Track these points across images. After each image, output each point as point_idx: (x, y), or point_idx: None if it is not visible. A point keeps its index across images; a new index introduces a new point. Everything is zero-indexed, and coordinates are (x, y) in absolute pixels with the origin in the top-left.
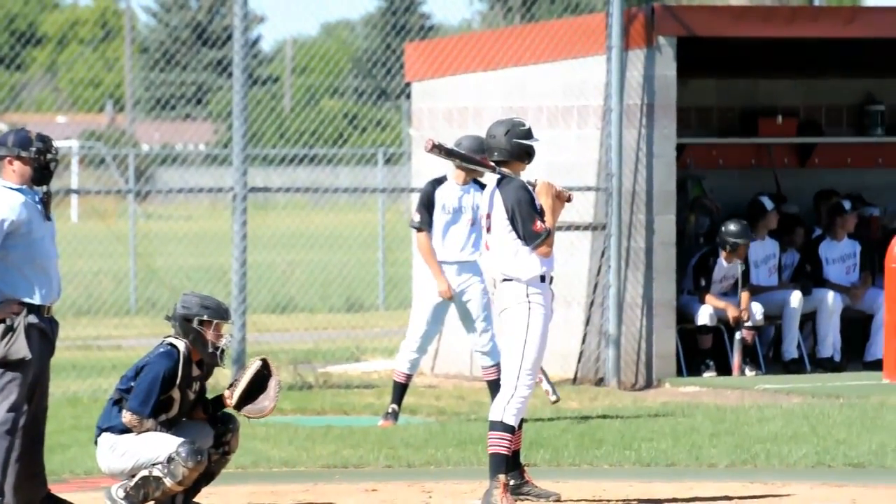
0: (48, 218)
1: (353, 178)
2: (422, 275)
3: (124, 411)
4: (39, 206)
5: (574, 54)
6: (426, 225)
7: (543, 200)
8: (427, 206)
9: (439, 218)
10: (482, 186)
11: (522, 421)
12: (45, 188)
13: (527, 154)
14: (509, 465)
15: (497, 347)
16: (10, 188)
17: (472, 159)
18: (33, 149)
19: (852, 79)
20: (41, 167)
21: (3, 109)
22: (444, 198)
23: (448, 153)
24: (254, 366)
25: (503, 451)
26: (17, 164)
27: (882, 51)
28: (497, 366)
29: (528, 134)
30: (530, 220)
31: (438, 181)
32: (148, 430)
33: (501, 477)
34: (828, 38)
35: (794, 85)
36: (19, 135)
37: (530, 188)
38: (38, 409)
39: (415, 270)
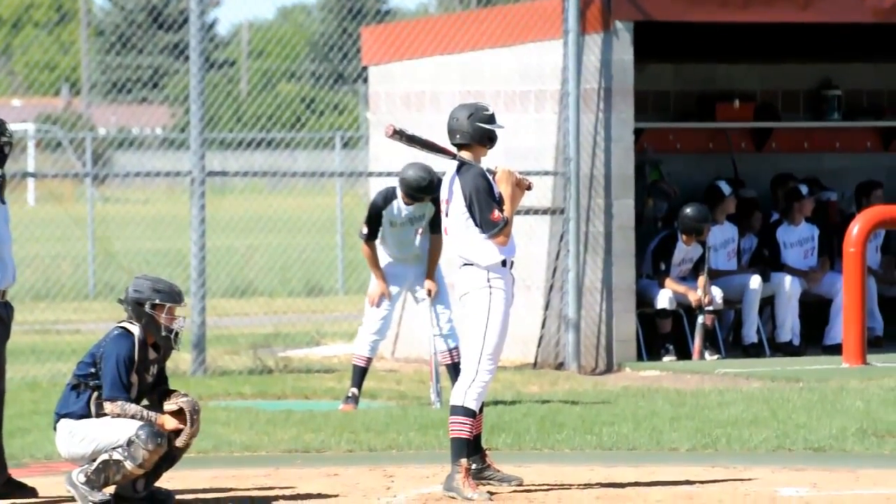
0: (2, 201)
1: (311, 162)
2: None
3: (105, 403)
4: None
5: (531, 38)
6: (372, 236)
7: (503, 188)
8: (374, 221)
9: (387, 230)
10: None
11: (483, 405)
12: None
13: (489, 139)
14: (471, 449)
15: (456, 331)
16: None
17: (433, 145)
18: None
19: (809, 64)
20: None
21: None
22: (392, 215)
23: (408, 139)
24: (179, 403)
25: (465, 435)
26: None
27: (839, 36)
28: (456, 349)
29: (492, 119)
30: (488, 209)
31: (387, 198)
32: (133, 414)
33: (463, 461)
34: (784, 22)
35: (751, 69)
36: None
37: (490, 176)
38: None
39: None
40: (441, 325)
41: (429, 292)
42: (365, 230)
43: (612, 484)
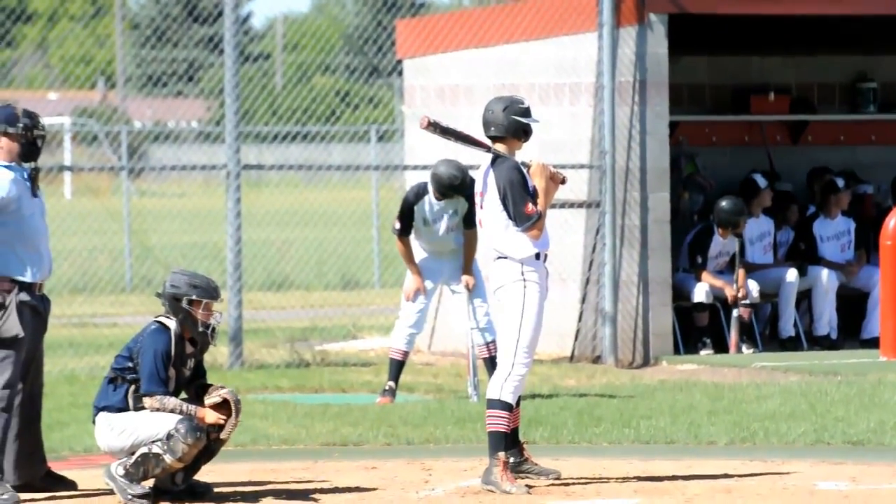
0: (35, 195)
1: (346, 156)
2: (418, 253)
3: (144, 398)
4: (27, 183)
5: (566, 31)
6: (405, 232)
7: (537, 182)
8: (407, 216)
9: (420, 225)
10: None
11: (520, 399)
12: (32, 164)
13: (523, 132)
14: (508, 442)
15: (493, 324)
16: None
17: (468, 138)
18: (20, 125)
19: (844, 56)
20: (28, 143)
21: None
22: (424, 211)
23: (443, 131)
24: (221, 395)
25: (502, 428)
26: (4, 140)
27: (874, 28)
28: (493, 343)
29: (527, 112)
30: (522, 202)
31: (419, 194)
32: (172, 408)
33: (501, 455)
34: (819, 14)
35: (785, 62)
36: (6, 111)
37: (524, 169)
38: (34, 387)
39: None
40: (478, 318)
41: (466, 286)
42: (398, 225)
43: (650, 477)
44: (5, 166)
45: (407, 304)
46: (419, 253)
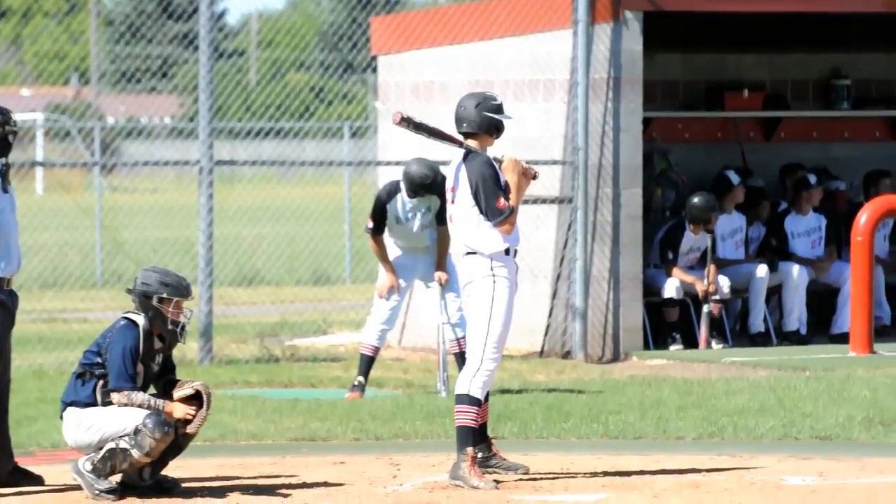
0: (6, 190)
1: (320, 152)
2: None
3: (112, 393)
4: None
5: (540, 28)
6: (378, 231)
7: (509, 177)
8: (379, 215)
9: (393, 223)
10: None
11: (488, 394)
12: (3, 160)
13: (496, 128)
14: (477, 437)
15: (465, 320)
16: None
17: (440, 133)
18: None
19: (819, 53)
20: None
21: None
22: (396, 209)
23: (416, 126)
24: (193, 387)
25: (470, 423)
26: None
27: (848, 25)
28: (464, 338)
29: (499, 109)
30: (494, 197)
31: (391, 193)
32: (140, 403)
33: (469, 450)
34: (794, 12)
35: (760, 59)
36: None
37: (496, 164)
38: (1, 382)
39: None
40: (450, 313)
41: (439, 282)
42: (370, 224)
43: (618, 472)
44: None
45: (380, 300)
46: (393, 250)
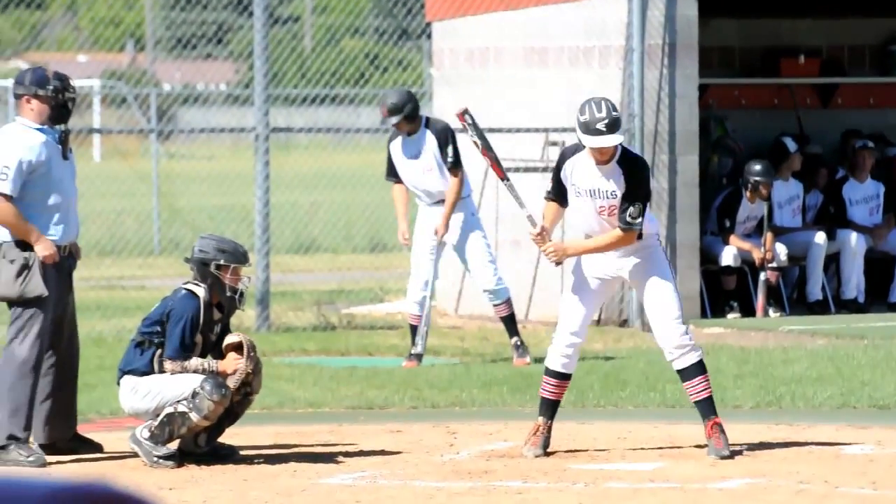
0: (66, 157)
1: (375, 119)
2: (418, 218)
3: (165, 362)
4: (58, 146)
5: None
6: (390, 173)
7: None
8: (389, 159)
9: (399, 170)
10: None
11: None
12: (63, 126)
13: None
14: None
15: (503, 283)
16: (30, 127)
17: (488, 150)
18: (50, 87)
19: (875, 18)
20: (59, 105)
21: (24, 48)
22: (399, 148)
23: (474, 128)
24: (233, 339)
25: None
26: (34, 102)
27: None
28: (507, 302)
29: (586, 127)
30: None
31: (392, 137)
32: (195, 368)
33: (539, 420)
34: None
35: (816, 25)
36: (37, 73)
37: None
38: (70, 349)
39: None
40: (485, 280)
41: (435, 232)
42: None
43: (675, 441)
44: (36, 129)
45: (415, 266)
46: (422, 208)
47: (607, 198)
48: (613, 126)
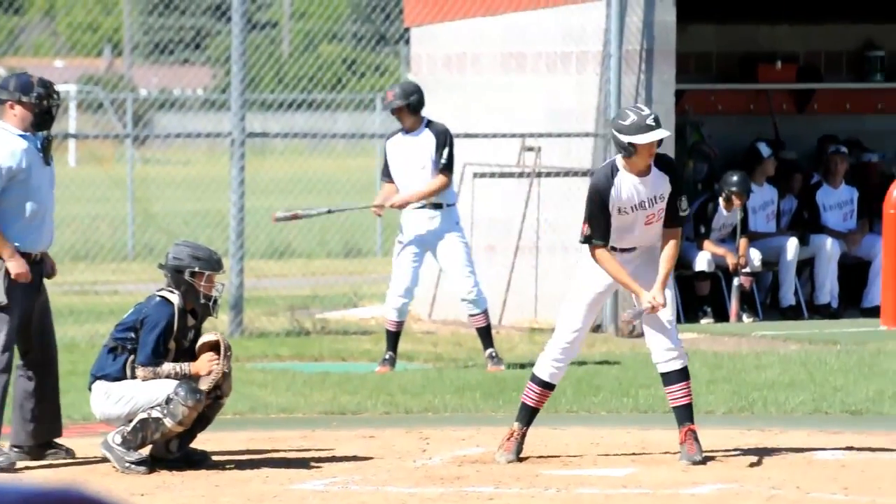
0: (47, 163)
1: (351, 124)
2: (401, 221)
3: (137, 369)
4: (40, 153)
5: None
6: (384, 174)
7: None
8: (384, 157)
9: (399, 166)
10: (432, 128)
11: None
12: (45, 133)
13: (622, 148)
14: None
15: (482, 294)
16: (12, 133)
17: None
18: (34, 94)
19: (852, 24)
20: (42, 112)
21: (1, 53)
22: (396, 144)
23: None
24: (210, 338)
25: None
26: (18, 108)
27: None
28: (484, 313)
29: (627, 129)
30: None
31: (392, 134)
32: (167, 374)
33: (515, 425)
34: None
35: (793, 30)
36: (21, 79)
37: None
38: (45, 354)
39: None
40: (465, 289)
41: (392, 206)
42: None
43: (647, 447)
44: (19, 135)
45: (396, 272)
46: (406, 213)
47: (656, 204)
48: (658, 119)
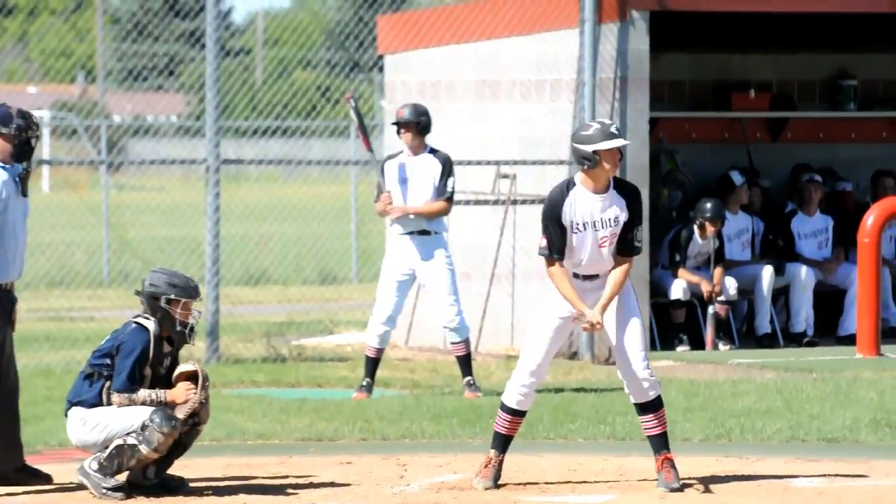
0: (24, 194)
1: (326, 151)
2: (388, 248)
3: (113, 395)
4: (17, 185)
5: (547, 27)
6: (380, 190)
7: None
8: (382, 174)
9: (397, 189)
10: (435, 153)
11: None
12: (24, 165)
13: (584, 159)
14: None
15: (465, 323)
16: None
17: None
18: (13, 125)
19: (825, 53)
20: (21, 143)
21: None
22: (395, 168)
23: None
24: (188, 368)
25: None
26: None
27: (855, 25)
28: (466, 342)
29: (587, 139)
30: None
31: (392, 155)
32: (143, 400)
33: (491, 452)
34: (801, 12)
35: (766, 59)
36: (0, 111)
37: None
38: (6, 383)
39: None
40: (449, 317)
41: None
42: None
43: (625, 474)
44: None
45: (380, 299)
46: (395, 233)
47: (610, 226)
48: (618, 128)
